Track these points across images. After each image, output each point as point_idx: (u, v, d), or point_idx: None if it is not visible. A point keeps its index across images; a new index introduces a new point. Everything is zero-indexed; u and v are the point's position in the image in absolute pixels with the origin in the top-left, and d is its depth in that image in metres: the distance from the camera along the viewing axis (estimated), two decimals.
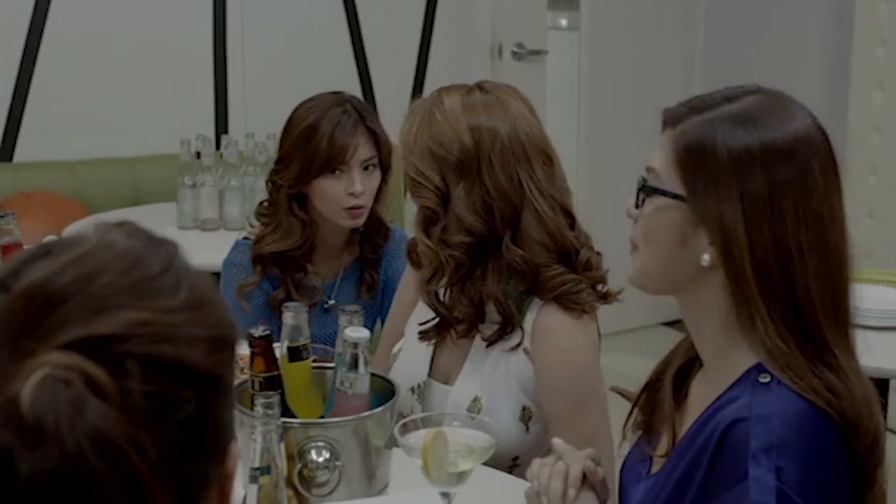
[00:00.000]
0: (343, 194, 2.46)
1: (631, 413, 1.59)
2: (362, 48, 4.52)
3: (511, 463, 1.97)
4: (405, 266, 2.21)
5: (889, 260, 3.75)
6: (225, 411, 0.78)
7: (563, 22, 5.38)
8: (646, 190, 1.41)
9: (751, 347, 1.35)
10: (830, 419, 1.30)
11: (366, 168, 2.49)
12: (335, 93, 2.55)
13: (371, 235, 2.60)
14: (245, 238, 2.59)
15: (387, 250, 2.63)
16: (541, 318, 1.95)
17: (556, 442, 1.60)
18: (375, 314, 2.63)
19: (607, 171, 4.72)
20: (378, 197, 2.54)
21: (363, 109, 2.51)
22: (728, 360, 1.38)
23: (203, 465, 0.74)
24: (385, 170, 2.55)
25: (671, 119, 1.40)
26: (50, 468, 0.65)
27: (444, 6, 4.63)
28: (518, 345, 1.96)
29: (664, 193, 1.38)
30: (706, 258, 1.35)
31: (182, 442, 0.71)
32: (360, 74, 4.53)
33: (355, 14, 4.49)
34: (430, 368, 2.05)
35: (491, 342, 1.96)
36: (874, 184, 4.04)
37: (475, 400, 1.96)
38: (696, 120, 1.36)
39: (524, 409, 1.96)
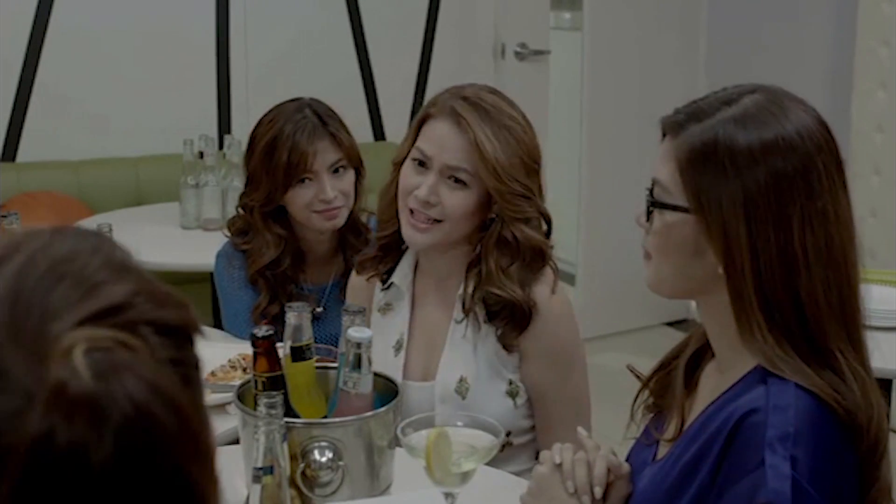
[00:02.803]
0: (315, 200, 2.45)
1: (639, 393, 1.59)
2: (365, 49, 4.52)
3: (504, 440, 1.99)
4: None
5: (892, 260, 3.74)
6: None
7: (566, 22, 5.38)
8: (654, 204, 1.40)
9: (752, 354, 1.36)
10: (838, 416, 1.31)
11: (336, 171, 2.47)
12: (294, 100, 2.52)
13: (349, 237, 2.57)
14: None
15: None
16: None
17: (581, 432, 1.60)
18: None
19: (611, 171, 4.72)
20: (355, 197, 2.52)
21: (323, 113, 2.48)
22: (740, 355, 1.38)
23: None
24: (357, 169, 2.52)
25: (671, 128, 1.39)
26: (125, 428, 0.63)
27: (446, 6, 4.63)
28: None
29: (674, 208, 1.38)
30: (721, 268, 1.35)
31: (200, 405, 0.71)
32: (362, 75, 4.53)
33: (358, 14, 4.49)
34: (405, 374, 2.07)
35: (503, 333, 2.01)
36: (877, 184, 4.04)
37: (461, 381, 2.01)
38: (696, 128, 1.36)
39: (510, 383, 2.02)
